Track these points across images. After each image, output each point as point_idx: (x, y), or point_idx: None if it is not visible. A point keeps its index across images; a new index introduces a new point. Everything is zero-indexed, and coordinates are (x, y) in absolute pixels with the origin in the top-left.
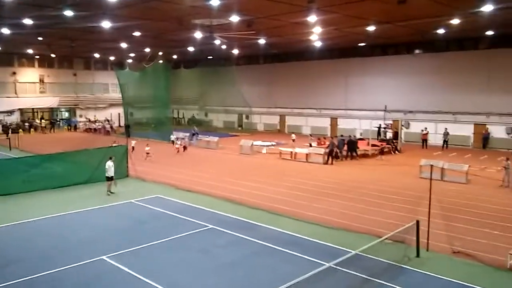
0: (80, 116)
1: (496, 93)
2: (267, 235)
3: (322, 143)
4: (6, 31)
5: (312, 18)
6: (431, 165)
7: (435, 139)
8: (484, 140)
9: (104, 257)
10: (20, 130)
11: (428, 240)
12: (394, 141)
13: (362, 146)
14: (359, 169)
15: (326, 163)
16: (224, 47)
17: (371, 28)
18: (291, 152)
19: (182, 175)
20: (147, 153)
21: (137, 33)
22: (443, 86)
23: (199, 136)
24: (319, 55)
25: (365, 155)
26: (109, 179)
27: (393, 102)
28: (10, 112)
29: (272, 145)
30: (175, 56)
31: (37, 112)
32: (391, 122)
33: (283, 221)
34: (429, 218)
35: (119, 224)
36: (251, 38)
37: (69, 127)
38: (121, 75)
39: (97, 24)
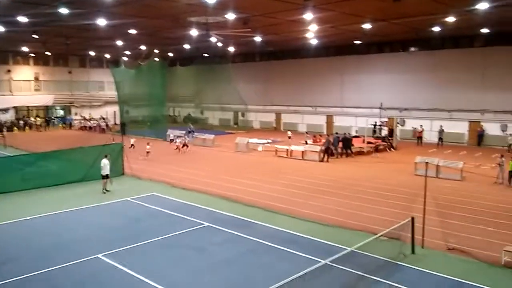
0: (75, 114)
1: (491, 91)
2: (263, 233)
3: (318, 140)
4: (0, 28)
5: (308, 15)
6: (426, 162)
7: (430, 137)
8: (479, 137)
9: (99, 256)
10: (15, 128)
11: (423, 237)
12: (390, 138)
13: (357, 144)
14: (355, 167)
15: (321, 160)
16: (220, 44)
17: (367, 26)
18: (287, 149)
19: (178, 173)
20: (148, 152)
21: (132, 31)
22: (438, 83)
23: (195, 134)
24: (315, 52)
25: (360, 153)
26: (105, 177)
27: (388, 100)
28: (5, 110)
29: (268, 142)
30: (170, 54)
31: (32, 110)
32: (386, 119)
33: (279, 219)
34: (424, 215)
35: (114, 222)
36: (247, 35)
37: (64, 125)
38: (117, 73)
39: (92, 21)
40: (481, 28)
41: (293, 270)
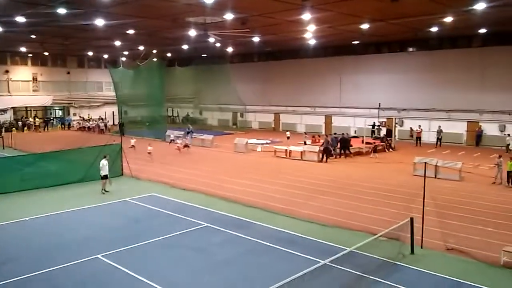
0: (74, 114)
1: (489, 91)
2: (262, 233)
3: (317, 141)
4: None
5: (307, 16)
6: (425, 163)
7: (429, 137)
8: (477, 137)
9: (99, 256)
10: (14, 128)
11: (422, 237)
12: (388, 139)
13: (356, 144)
14: (354, 167)
15: (320, 161)
16: (218, 45)
17: (365, 26)
18: (286, 150)
19: (177, 173)
20: (149, 153)
21: (131, 31)
22: (436, 84)
23: (194, 134)
24: (314, 53)
25: (359, 153)
26: (104, 177)
27: (387, 100)
28: (3, 111)
29: (267, 143)
30: (169, 54)
31: (30, 110)
32: (385, 120)
33: (278, 219)
34: (423, 215)
35: (114, 223)
36: (245, 36)
37: (62, 126)
38: (115, 73)
39: (90, 22)
40: (479, 28)
41: (292, 271)
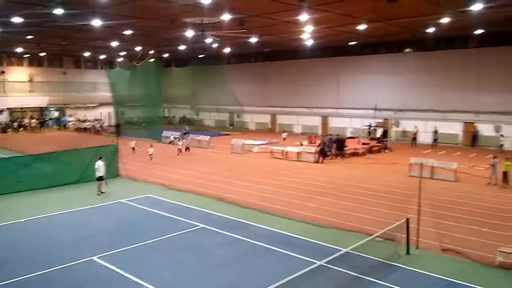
0: (70, 115)
1: (485, 92)
2: (258, 234)
3: (313, 142)
4: None
5: (304, 16)
6: (421, 164)
7: (425, 138)
8: (473, 138)
9: (94, 258)
10: (9, 129)
11: (418, 237)
12: (384, 139)
13: (352, 145)
14: (350, 168)
15: (317, 162)
16: (215, 45)
17: (362, 27)
18: (282, 151)
19: (173, 174)
20: (150, 155)
21: (128, 32)
22: (432, 84)
23: (191, 135)
24: (311, 53)
25: (355, 154)
26: (99, 179)
27: (383, 101)
28: None
29: (264, 144)
30: (166, 55)
31: (26, 111)
32: (381, 120)
33: (275, 220)
34: (418, 216)
35: (109, 224)
36: (242, 36)
37: (58, 127)
38: (112, 74)
39: (87, 22)
40: (475, 29)
41: (289, 272)
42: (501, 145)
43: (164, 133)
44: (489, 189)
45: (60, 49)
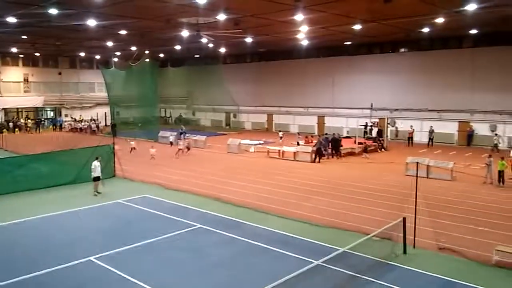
0: (66, 115)
1: (480, 91)
2: (255, 234)
3: (310, 141)
4: None
5: (299, 16)
6: (417, 163)
7: (421, 137)
8: (468, 137)
9: (91, 258)
10: (4, 130)
11: (414, 236)
12: (381, 139)
13: (348, 144)
14: (346, 167)
15: (313, 161)
16: (211, 45)
17: (358, 27)
18: (279, 150)
19: (170, 174)
20: (152, 156)
21: (123, 32)
22: (428, 84)
23: (187, 135)
24: (306, 53)
25: (351, 153)
26: (96, 179)
27: (379, 100)
28: None
29: (260, 143)
30: (162, 55)
31: (21, 111)
32: (377, 120)
33: (271, 220)
34: (415, 215)
35: (106, 225)
36: (238, 36)
37: (54, 127)
38: (107, 74)
39: (82, 22)
40: (470, 29)
41: (285, 271)
42: (495, 144)
43: (161, 133)
44: (484, 188)
45: (55, 49)
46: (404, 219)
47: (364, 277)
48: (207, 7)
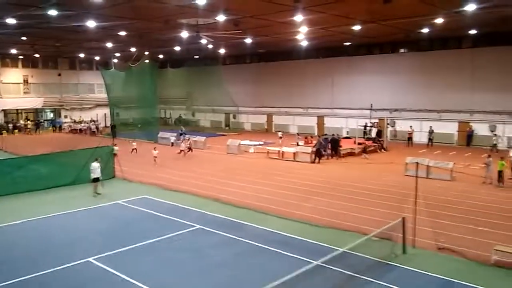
0: (65, 116)
1: (479, 91)
2: (255, 235)
3: (309, 142)
4: None
5: (299, 17)
6: (417, 163)
7: (420, 137)
8: (468, 137)
9: (90, 259)
10: (4, 131)
11: (414, 236)
12: (380, 139)
13: (348, 145)
14: (346, 168)
15: (313, 162)
16: (210, 46)
17: (357, 28)
18: (279, 151)
19: (169, 175)
20: (155, 157)
21: (122, 33)
22: (427, 84)
23: (186, 136)
24: (306, 54)
25: (351, 154)
26: (95, 180)
27: (379, 101)
28: None
29: (260, 144)
30: (161, 56)
31: (21, 113)
32: (376, 120)
33: (271, 220)
34: (415, 215)
35: (105, 226)
36: (237, 37)
37: (54, 128)
38: (107, 75)
39: (82, 23)
40: (469, 30)
41: (285, 272)
42: (494, 145)
43: (161, 134)
44: (484, 188)
45: (54, 50)
46: (404, 219)
47: (364, 277)
48: (206, 8)
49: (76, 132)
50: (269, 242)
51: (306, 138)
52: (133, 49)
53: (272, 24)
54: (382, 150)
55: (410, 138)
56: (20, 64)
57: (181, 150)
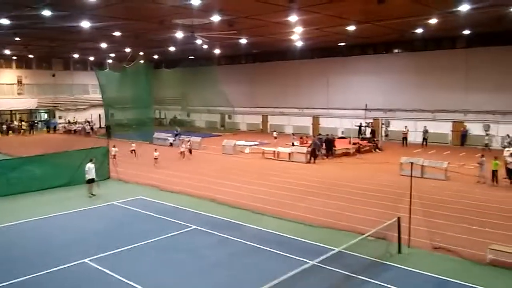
0: (60, 117)
1: (473, 91)
2: (251, 235)
3: (305, 142)
4: None
5: (293, 18)
6: (411, 163)
7: (415, 137)
8: (462, 137)
9: (86, 260)
10: None
11: (409, 236)
12: (375, 139)
13: (343, 145)
14: (341, 168)
15: (308, 162)
16: (205, 47)
17: (351, 28)
18: (274, 151)
19: (164, 175)
20: (156, 159)
21: (117, 33)
22: (421, 84)
23: (182, 136)
24: (301, 54)
25: (346, 154)
26: (90, 181)
27: (373, 101)
28: None
29: (255, 144)
30: (156, 56)
31: (15, 114)
32: (371, 120)
33: (267, 220)
34: (410, 214)
35: (101, 226)
36: (232, 37)
37: (48, 129)
38: (102, 76)
39: (76, 24)
40: (463, 30)
41: (281, 271)
42: (486, 144)
43: (156, 135)
44: (478, 187)
45: (48, 51)
46: (399, 218)
47: (360, 277)
48: (201, 8)
49: (71, 133)
50: (264, 242)
51: (301, 138)
52: (127, 50)
53: (267, 25)
54: (377, 150)
55: (405, 138)
56: (13, 65)
57: (181, 152)
